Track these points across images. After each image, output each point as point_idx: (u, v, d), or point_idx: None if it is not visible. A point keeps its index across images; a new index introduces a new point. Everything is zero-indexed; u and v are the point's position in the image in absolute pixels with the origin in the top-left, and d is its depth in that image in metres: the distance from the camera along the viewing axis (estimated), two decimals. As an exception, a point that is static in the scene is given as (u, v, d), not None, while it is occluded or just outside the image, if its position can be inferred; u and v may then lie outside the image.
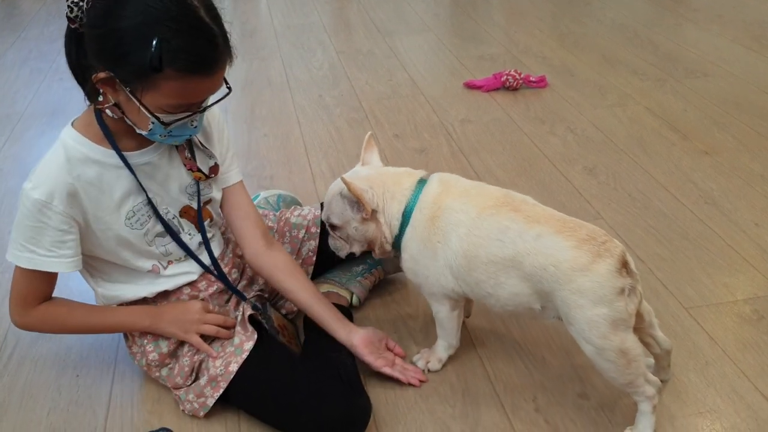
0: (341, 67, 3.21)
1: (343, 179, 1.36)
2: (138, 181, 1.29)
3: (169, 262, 1.40)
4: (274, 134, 2.61)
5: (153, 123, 1.18)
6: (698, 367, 1.48)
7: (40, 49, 3.55)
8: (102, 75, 1.13)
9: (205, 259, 1.44)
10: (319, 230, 1.61)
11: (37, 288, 1.32)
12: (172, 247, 1.38)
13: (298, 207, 1.68)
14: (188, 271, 1.42)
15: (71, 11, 1.13)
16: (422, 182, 1.40)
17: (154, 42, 1.06)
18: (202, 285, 1.44)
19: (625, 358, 1.22)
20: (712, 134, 2.48)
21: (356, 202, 1.36)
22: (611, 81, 2.95)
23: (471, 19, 3.86)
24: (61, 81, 3.12)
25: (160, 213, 1.34)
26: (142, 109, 1.15)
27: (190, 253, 1.40)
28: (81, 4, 1.12)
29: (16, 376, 1.54)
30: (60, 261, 1.27)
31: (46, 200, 1.21)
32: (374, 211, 1.38)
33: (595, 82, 2.95)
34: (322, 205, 1.67)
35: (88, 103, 1.26)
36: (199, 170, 1.36)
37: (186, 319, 1.38)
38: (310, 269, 1.63)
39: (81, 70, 1.19)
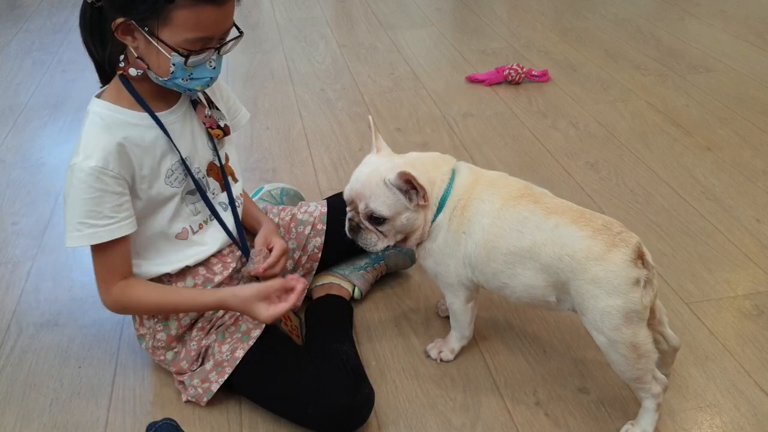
0: (343, 60, 3.21)
1: (404, 172, 1.28)
2: (171, 140, 1.31)
3: (200, 226, 1.41)
4: (277, 127, 2.61)
5: (174, 64, 1.20)
6: (698, 362, 1.49)
7: (42, 40, 3.55)
8: (120, 20, 1.17)
9: (229, 222, 1.44)
10: (325, 227, 1.62)
11: (110, 263, 1.31)
12: (201, 205, 1.40)
13: (305, 204, 1.68)
14: (209, 241, 1.42)
15: None
16: (453, 171, 1.38)
17: None
18: (217, 268, 1.44)
19: (636, 352, 1.22)
20: (714, 130, 2.48)
21: (407, 189, 1.31)
22: (614, 76, 2.95)
23: (473, 13, 3.85)
24: (63, 72, 3.12)
25: (192, 171, 1.36)
26: (161, 49, 1.18)
27: (212, 210, 1.41)
28: None
29: (19, 368, 1.54)
30: (122, 224, 1.28)
31: (102, 166, 1.23)
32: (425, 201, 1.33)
33: (598, 76, 2.95)
34: (327, 200, 1.68)
35: (100, 84, 1.31)
36: (219, 127, 1.39)
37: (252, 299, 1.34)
38: (315, 265, 1.63)
39: (100, 40, 1.25)
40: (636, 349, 1.22)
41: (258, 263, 1.43)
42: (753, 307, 1.64)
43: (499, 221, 1.29)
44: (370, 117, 1.50)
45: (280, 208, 1.68)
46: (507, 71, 2.89)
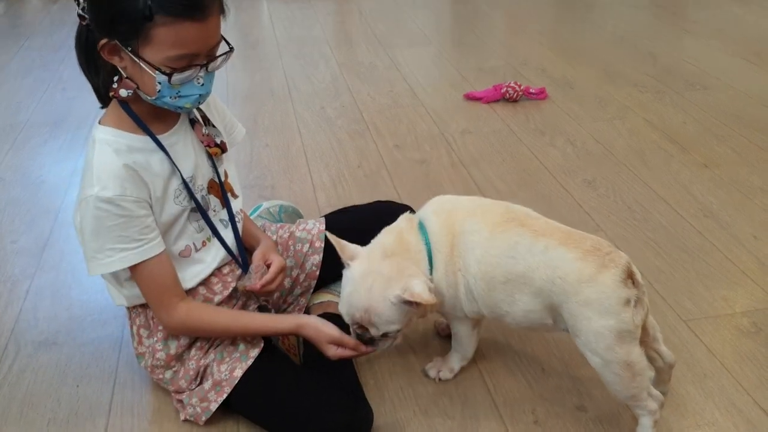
0: (343, 78, 3.23)
1: (412, 294, 1.24)
2: (173, 162, 1.31)
3: (203, 243, 1.41)
4: (276, 145, 2.62)
5: (159, 82, 1.19)
6: (696, 380, 1.49)
7: (43, 58, 3.57)
8: (103, 41, 1.17)
9: (229, 239, 1.45)
10: (323, 245, 1.62)
11: (160, 284, 1.32)
12: (204, 223, 1.41)
13: (303, 221, 1.69)
14: (209, 259, 1.43)
15: (78, 4, 1.19)
16: (421, 225, 1.36)
17: None
18: (217, 288, 1.44)
19: (630, 371, 1.22)
20: (712, 147, 2.49)
21: (413, 302, 1.26)
22: (611, 93, 2.96)
23: (471, 31, 3.88)
24: (64, 91, 3.14)
25: (194, 191, 1.36)
26: (145, 67, 1.17)
27: (212, 228, 1.41)
28: None
29: (17, 387, 1.54)
30: (152, 245, 1.29)
31: (120, 193, 1.23)
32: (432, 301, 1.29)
33: (595, 94, 2.97)
34: (325, 218, 1.68)
35: (100, 105, 1.31)
36: (216, 145, 1.39)
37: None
38: (313, 283, 1.63)
39: (94, 64, 1.25)
40: (630, 367, 1.22)
41: (255, 279, 1.43)
42: (751, 324, 1.65)
43: (491, 250, 1.29)
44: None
45: (279, 225, 1.68)
46: (505, 89, 2.91)
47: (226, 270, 1.46)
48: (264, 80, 3.24)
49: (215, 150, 1.39)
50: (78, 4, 1.21)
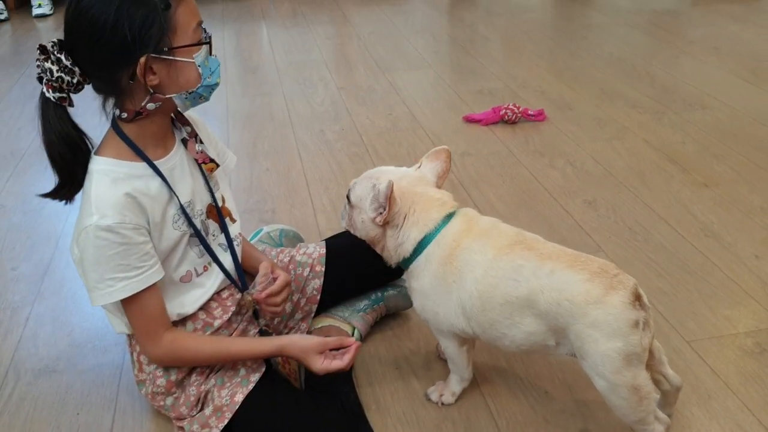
0: (342, 102, 3.25)
1: (391, 182, 1.33)
2: (171, 188, 1.32)
3: (204, 268, 1.41)
4: (276, 169, 2.63)
5: (199, 65, 1.24)
6: (701, 401, 1.48)
7: (44, 86, 3.59)
8: (142, 61, 1.18)
9: (228, 263, 1.44)
10: (323, 269, 1.62)
11: (149, 314, 1.32)
12: (200, 250, 1.40)
13: (303, 245, 1.69)
14: (208, 283, 1.43)
15: (67, 73, 1.20)
16: (449, 216, 1.38)
17: None
18: (217, 312, 1.44)
19: (637, 395, 1.21)
20: (711, 166, 2.49)
21: (380, 203, 1.35)
22: (609, 114, 2.98)
23: (469, 55, 3.90)
24: (65, 117, 3.15)
25: (191, 216, 1.36)
26: (184, 59, 1.22)
27: (210, 253, 1.41)
28: (62, 61, 1.19)
29: (17, 415, 1.53)
30: (152, 272, 1.29)
31: (120, 221, 1.23)
32: (387, 223, 1.38)
33: (593, 115, 2.98)
34: (326, 242, 1.68)
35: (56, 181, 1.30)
36: (211, 160, 1.40)
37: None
38: (314, 308, 1.63)
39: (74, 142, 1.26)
40: (637, 391, 1.21)
41: (260, 288, 1.43)
42: (755, 344, 1.64)
43: (492, 271, 1.29)
44: (446, 148, 1.48)
45: (279, 250, 1.68)
46: (503, 111, 2.92)
47: (225, 294, 1.46)
48: (264, 104, 3.26)
49: (211, 165, 1.39)
50: (60, 81, 1.19)
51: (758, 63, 3.49)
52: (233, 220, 1.49)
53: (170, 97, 1.26)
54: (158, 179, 1.31)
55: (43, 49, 1.19)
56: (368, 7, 4.96)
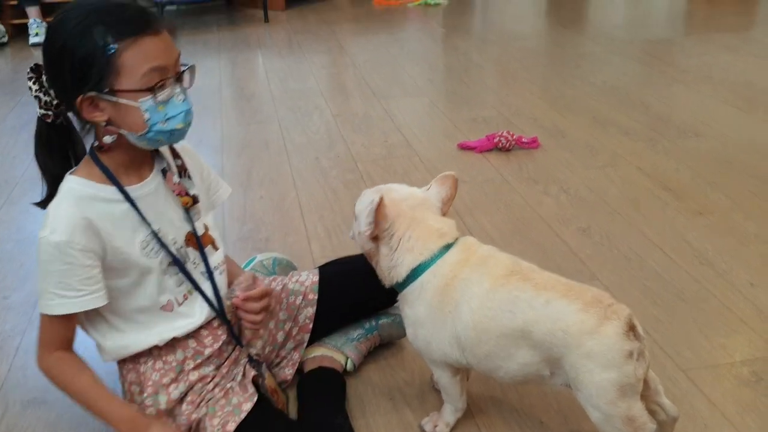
0: (337, 129, 3.26)
1: (381, 197, 1.33)
2: (140, 213, 1.31)
3: (185, 296, 1.40)
4: (270, 196, 2.62)
5: (146, 110, 1.21)
6: (697, 431, 1.46)
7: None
8: (79, 99, 1.20)
9: (209, 292, 1.43)
10: (316, 297, 1.61)
11: (57, 332, 1.31)
12: (183, 276, 1.39)
13: (296, 273, 1.68)
14: (197, 312, 1.41)
15: (39, 100, 1.25)
16: (447, 247, 1.37)
17: (95, 30, 1.17)
18: (207, 340, 1.43)
19: (632, 426, 1.20)
20: (706, 194, 2.50)
21: (371, 220, 1.34)
22: (602, 142, 2.99)
23: (463, 83, 3.93)
24: (60, 145, 3.15)
25: (166, 243, 1.35)
26: (128, 102, 1.20)
27: (191, 281, 1.39)
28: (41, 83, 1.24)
29: (4, 447, 1.51)
30: (93, 297, 1.27)
31: (68, 240, 1.23)
32: (377, 238, 1.37)
33: (587, 142, 2.99)
34: (319, 269, 1.67)
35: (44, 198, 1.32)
36: (188, 194, 1.39)
37: None
38: (307, 337, 1.61)
39: (57, 154, 1.31)
40: (632, 422, 1.20)
41: (238, 291, 1.41)
42: (751, 373, 1.62)
43: (488, 302, 1.28)
44: (453, 174, 1.48)
45: (271, 278, 1.67)
46: (498, 138, 2.93)
47: (216, 322, 1.45)
48: (259, 132, 3.27)
49: (186, 199, 1.39)
50: (39, 100, 1.25)
51: (751, 92, 3.52)
52: (216, 248, 1.48)
53: (124, 135, 1.26)
54: (127, 204, 1.31)
55: (32, 68, 1.25)
56: (364, 36, 5.00)
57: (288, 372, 1.59)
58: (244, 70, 4.35)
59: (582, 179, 2.66)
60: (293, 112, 3.53)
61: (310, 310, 1.60)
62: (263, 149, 3.07)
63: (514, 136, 2.94)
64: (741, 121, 3.16)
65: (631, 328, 1.20)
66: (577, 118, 3.27)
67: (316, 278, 1.62)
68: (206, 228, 1.46)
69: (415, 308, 1.37)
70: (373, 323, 1.70)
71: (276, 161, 2.94)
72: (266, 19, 5.41)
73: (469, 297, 1.30)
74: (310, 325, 1.60)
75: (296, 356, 1.61)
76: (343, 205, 2.52)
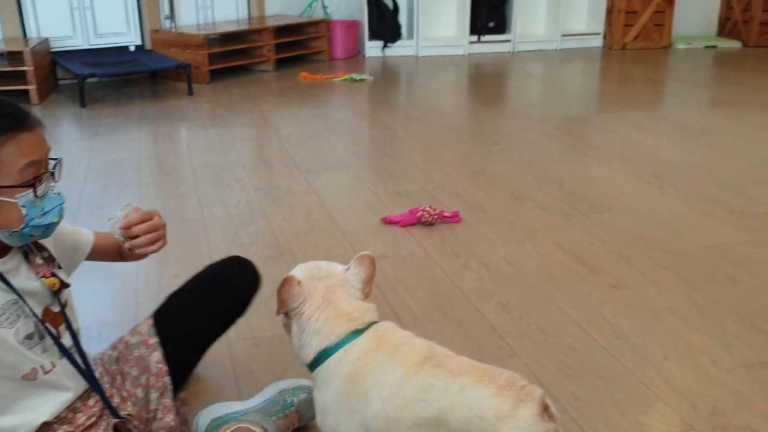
0: (258, 204, 3.22)
1: (292, 274, 1.37)
2: (6, 280, 1.29)
3: (52, 365, 1.35)
4: (186, 275, 2.48)
5: (24, 205, 1.22)
6: None
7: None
8: None
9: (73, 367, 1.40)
10: (157, 339, 1.57)
11: None
12: (49, 344, 1.36)
13: (133, 327, 1.63)
14: (71, 384, 1.37)
15: None
16: (357, 333, 1.36)
17: None
18: (81, 419, 1.37)
19: None
20: (619, 268, 2.56)
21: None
22: (521, 216, 3.05)
23: (388, 157, 3.98)
24: None
25: (26, 314, 1.32)
26: (5, 198, 1.21)
27: (62, 349, 1.36)
28: None
29: None
30: None
31: None
32: (287, 314, 1.38)
33: (506, 217, 3.05)
34: (154, 314, 1.63)
35: None
36: (53, 275, 1.37)
37: None
38: (168, 380, 1.56)
39: None
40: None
41: (121, 218, 1.43)
42: (667, 450, 1.63)
43: (401, 391, 1.26)
44: (369, 254, 1.49)
45: (111, 345, 1.62)
46: (420, 213, 2.95)
47: (92, 402, 1.40)
48: (177, 207, 3.19)
49: (52, 281, 1.36)
50: None
51: (659, 167, 3.69)
52: (72, 325, 1.44)
53: None
54: None
55: None
56: (288, 110, 5.04)
57: (169, 419, 1.54)
58: (166, 143, 4.28)
59: (502, 253, 2.69)
60: (214, 185, 3.48)
61: (157, 354, 1.56)
62: (181, 224, 2.99)
63: (437, 211, 2.97)
64: (651, 196, 3.29)
65: (545, 409, 1.20)
66: (496, 193, 3.34)
67: (151, 321, 1.60)
68: (66, 303, 1.43)
69: (323, 394, 1.35)
70: (292, 399, 1.67)
71: (193, 237, 2.87)
72: (190, 92, 5.39)
73: (380, 386, 1.27)
74: (164, 368, 1.56)
75: (167, 401, 1.56)
76: (262, 284, 2.45)
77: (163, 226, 1.49)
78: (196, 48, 5.72)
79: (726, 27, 7.93)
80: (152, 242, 1.46)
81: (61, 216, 1.31)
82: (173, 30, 6.07)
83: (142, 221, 1.44)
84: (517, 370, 1.90)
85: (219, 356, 2.04)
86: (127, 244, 1.44)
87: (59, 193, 1.31)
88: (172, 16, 6.16)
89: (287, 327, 1.43)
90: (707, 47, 7.61)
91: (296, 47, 6.62)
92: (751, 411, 1.77)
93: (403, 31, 7.21)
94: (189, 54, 5.72)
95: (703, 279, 2.47)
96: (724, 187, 3.37)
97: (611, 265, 2.58)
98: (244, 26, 6.38)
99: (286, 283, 1.34)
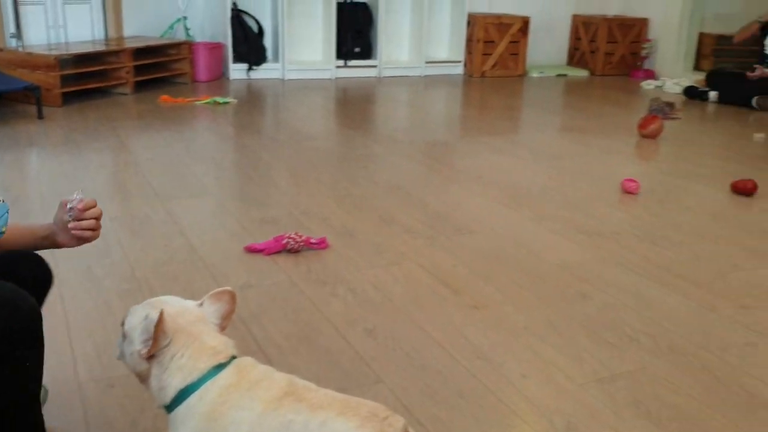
0: (113, 234, 3.05)
1: (162, 312, 1.28)
2: None
3: None
4: (31, 313, 2.35)
5: None
6: None
7: None
8: None
9: None
10: None
11: None
12: None
13: None
14: None
15: None
16: (220, 367, 1.31)
17: None
18: None
19: None
20: (480, 288, 2.64)
21: (149, 335, 1.28)
22: (387, 240, 3.09)
23: (252, 182, 3.91)
24: None
25: None
26: None
27: None
28: None
29: None
30: None
31: None
32: (153, 357, 1.30)
33: (373, 241, 3.07)
34: None
35: None
36: None
37: None
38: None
39: None
40: None
41: (76, 202, 1.54)
42: (526, 467, 1.68)
43: (260, 429, 1.22)
44: (230, 290, 1.46)
45: None
46: (286, 240, 2.91)
47: None
48: (23, 239, 2.96)
49: None
50: None
51: (515, 190, 3.86)
52: None
53: None
54: None
55: None
56: (147, 134, 4.84)
57: None
58: (12, 171, 3.99)
59: (368, 278, 2.70)
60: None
61: None
62: (26, 258, 2.78)
63: (303, 237, 2.94)
64: (508, 218, 3.43)
65: None
66: (364, 217, 3.36)
67: None
68: None
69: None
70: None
71: (41, 271, 2.67)
72: (40, 116, 5.06)
73: (238, 424, 1.23)
74: None
75: None
76: (117, 319, 2.31)
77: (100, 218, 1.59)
78: (47, 69, 5.39)
79: (575, 57, 8.51)
80: (93, 229, 1.58)
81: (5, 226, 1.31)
82: (20, 50, 5.70)
83: (95, 207, 1.56)
84: (383, 396, 1.91)
85: (67, 400, 1.90)
86: (71, 224, 1.55)
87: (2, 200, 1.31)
88: (18, 35, 5.78)
89: (143, 373, 1.34)
90: (558, 75, 8.14)
91: (157, 69, 6.40)
92: (601, 424, 1.86)
93: (269, 54, 7.17)
94: (39, 75, 5.38)
95: (556, 296, 2.59)
96: (574, 208, 3.58)
97: (472, 286, 2.66)
98: (100, 47, 6.10)
99: (161, 320, 1.27)
